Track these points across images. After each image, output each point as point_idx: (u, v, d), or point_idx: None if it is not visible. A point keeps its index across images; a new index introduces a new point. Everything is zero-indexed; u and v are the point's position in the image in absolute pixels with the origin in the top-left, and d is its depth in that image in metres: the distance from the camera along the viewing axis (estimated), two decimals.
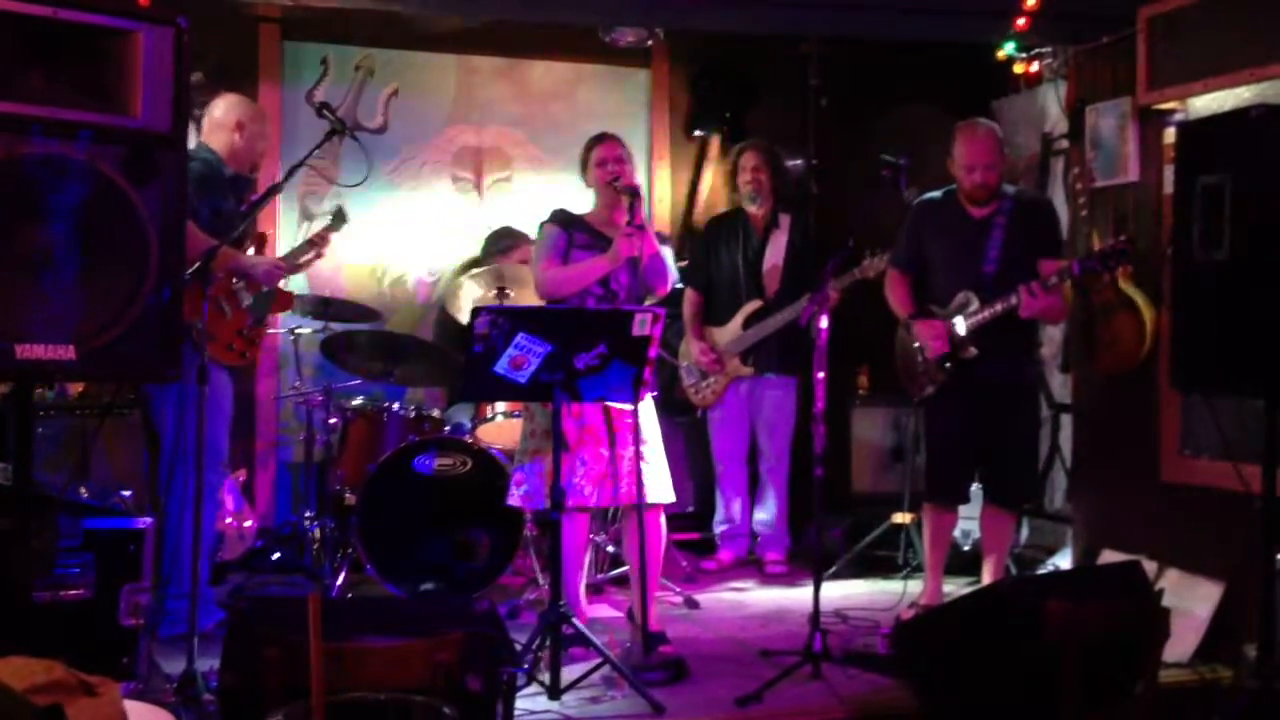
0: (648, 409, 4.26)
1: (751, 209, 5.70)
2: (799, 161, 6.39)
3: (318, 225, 5.23)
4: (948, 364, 4.61)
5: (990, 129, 4.67)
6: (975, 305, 4.54)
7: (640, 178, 6.08)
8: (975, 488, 4.93)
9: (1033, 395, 4.96)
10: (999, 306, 4.46)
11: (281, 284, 4.68)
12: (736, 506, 5.81)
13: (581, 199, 6.28)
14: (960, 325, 4.57)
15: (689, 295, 5.77)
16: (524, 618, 4.67)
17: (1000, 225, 4.60)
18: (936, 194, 4.77)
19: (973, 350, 4.56)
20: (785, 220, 5.71)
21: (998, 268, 4.56)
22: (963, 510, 5.06)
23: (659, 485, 4.21)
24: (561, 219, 4.43)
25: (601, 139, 4.45)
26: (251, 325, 4.43)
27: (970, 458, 4.76)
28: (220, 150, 4.43)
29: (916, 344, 4.72)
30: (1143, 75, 4.56)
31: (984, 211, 4.64)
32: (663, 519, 4.29)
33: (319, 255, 4.76)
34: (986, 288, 4.54)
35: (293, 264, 4.68)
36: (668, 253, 4.63)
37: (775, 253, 5.66)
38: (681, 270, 6.05)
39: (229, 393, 4.43)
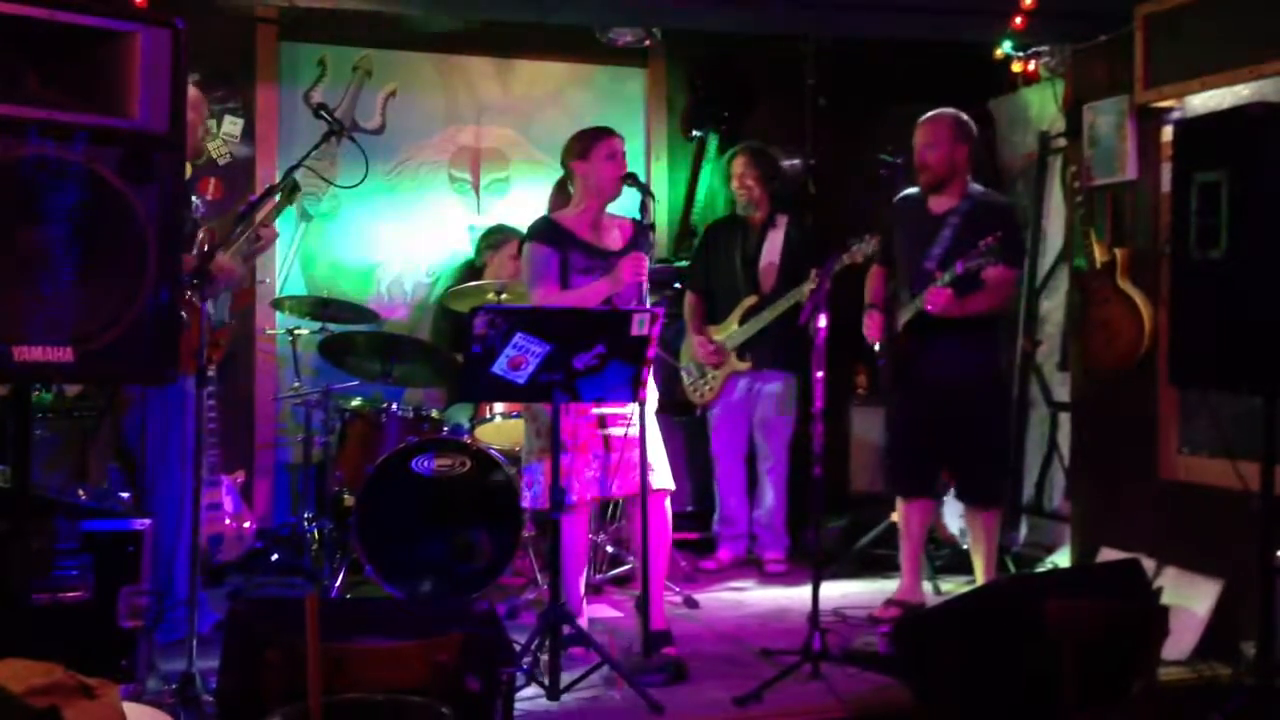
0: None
1: (750, 214, 5.73)
2: (796, 161, 6.39)
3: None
4: (891, 358, 4.72)
5: (940, 114, 4.68)
6: (908, 299, 4.64)
7: None
8: None
9: (992, 391, 4.88)
10: (917, 303, 4.54)
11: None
12: (735, 505, 5.81)
13: None
14: (899, 320, 4.68)
15: (688, 298, 5.80)
16: (523, 618, 4.67)
17: (953, 225, 4.62)
18: (914, 189, 4.80)
19: (905, 344, 4.64)
20: (782, 220, 5.74)
21: (937, 265, 4.58)
22: (960, 509, 5.07)
23: (660, 473, 4.20)
24: (550, 237, 4.24)
25: (610, 132, 4.28)
26: (214, 329, 4.35)
27: (927, 452, 4.77)
28: None
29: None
30: (1140, 73, 4.56)
31: (942, 208, 4.66)
32: (668, 507, 4.28)
33: (271, 238, 4.55)
34: (923, 284, 4.58)
35: (244, 259, 4.46)
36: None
37: (771, 250, 5.69)
38: (680, 270, 6.08)
39: (193, 399, 4.37)
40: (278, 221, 5.87)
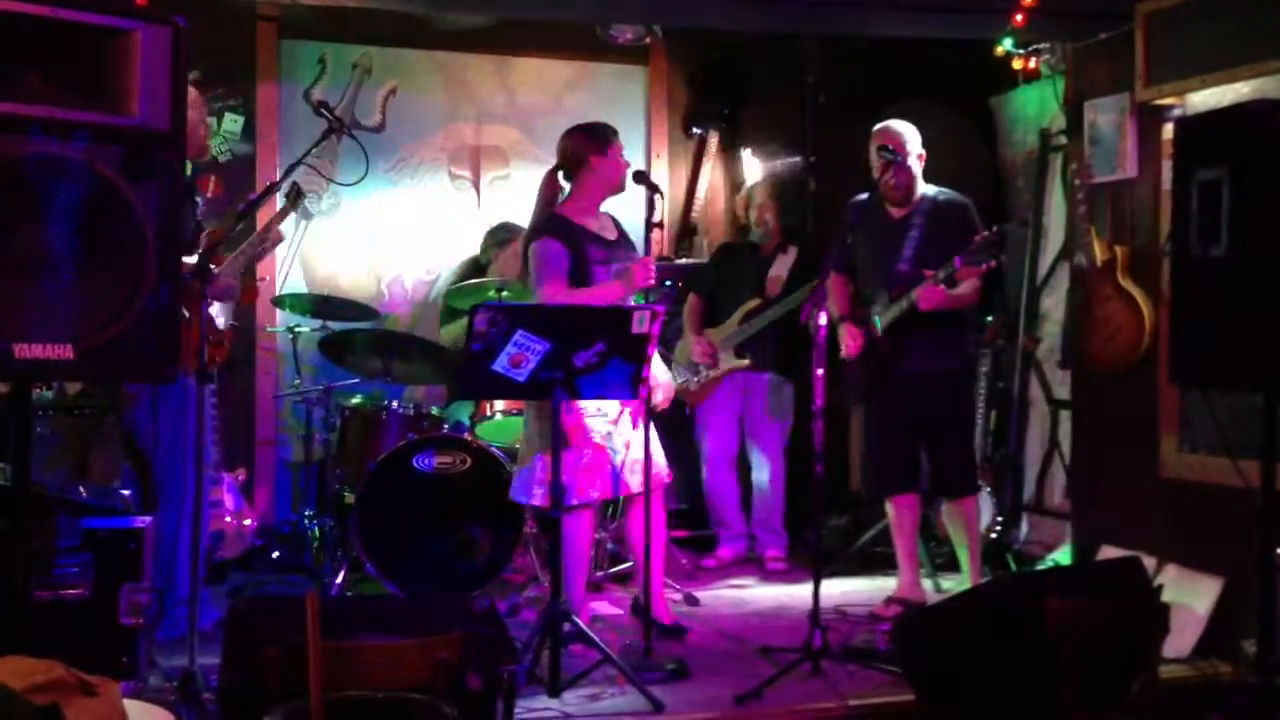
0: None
1: (762, 242, 5.77)
2: (796, 159, 6.39)
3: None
4: (871, 363, 4.73)
5: (894, 130, 4.71)
6: (887, 303, 4.66)
7: None
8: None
9: (959, 383, 4.96)
10: (904, 303, 4.58)
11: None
12: (729, 509, 5.81)
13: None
14: (877, 323, 4.69)
15: (691, 299, 5.79)
16: (524, 615, 4.67)
17: (918, 225, 4.70)
18: (864, 195, 4.82)
19: (888, 346, 4.67)
20: (792, 249, 5.78)
21: (911, 266, 4.64)
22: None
23: (662, 468, 4.32)
24: (560, 233, 4.21)
25: (615, 131, 4.36)
26: (216, 331, 4.35)
27: (905, 447, 4.83)
28: None
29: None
30: (1141, 71, 4.55)
31: (903, 211, 4.74)
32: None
33: (276, 241, 4.58)
34: (900, 286, 4.63)
35: (247, 261, 4.47)
36: None
37: (780, 268, 5.72)
38: (679, 268, 6.08)
39: (195, 397, 4.37)
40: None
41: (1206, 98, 4.36)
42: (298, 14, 5.65)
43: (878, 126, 4.78)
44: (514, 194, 6.27)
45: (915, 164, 4.72)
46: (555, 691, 3.72)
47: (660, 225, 4.19)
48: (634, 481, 4.24)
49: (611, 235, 4.34)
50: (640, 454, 4.18)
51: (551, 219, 4.27)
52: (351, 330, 5.21)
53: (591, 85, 6.43)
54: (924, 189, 4.76)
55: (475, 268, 6.02)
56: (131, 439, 4.39)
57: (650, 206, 4.17)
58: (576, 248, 4.19)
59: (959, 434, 4.91)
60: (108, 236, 2.70)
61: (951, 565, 5.31)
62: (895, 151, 4.63)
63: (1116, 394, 4.83)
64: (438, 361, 5.30)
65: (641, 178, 4.25)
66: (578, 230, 4.23)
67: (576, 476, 4.17)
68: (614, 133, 4.34)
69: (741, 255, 5.84)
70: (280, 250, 5.90)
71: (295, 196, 4.55)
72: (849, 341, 4.79)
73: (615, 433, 4.25)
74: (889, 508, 4.89)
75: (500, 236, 5.81)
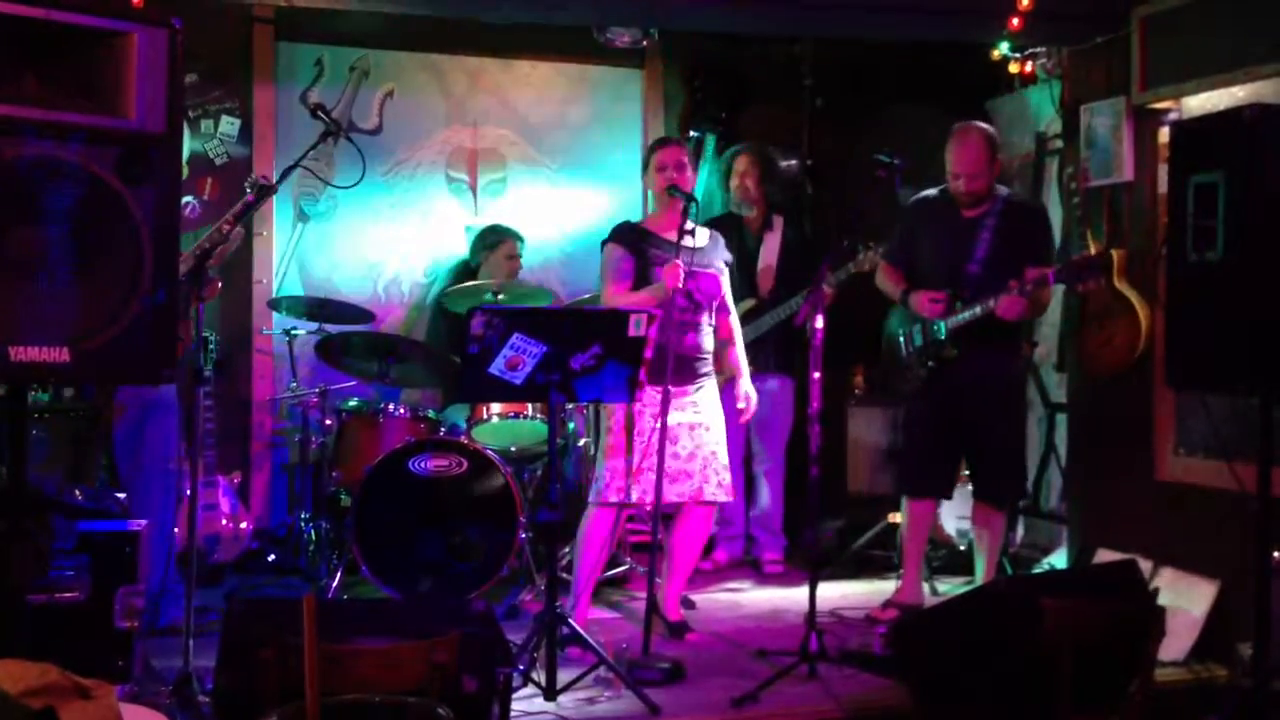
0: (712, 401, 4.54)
1: (744, 213, 5.74)
2: (794, 162, 6.39)
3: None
4: (930, 363, 4.67)
5: (979, 136, 4.66)
6: (957, 305, 4.59)
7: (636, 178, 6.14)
8: (968, 488, 4.95)
9: (1015, 391, 4.95)
10: (978, 308, 4.51)
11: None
12: (731, 506, 5.79)
13: (573, 198, 6.29)
14: (940, 327, 4.62)
15: None
16: (525, 615, 4.67)
17: (989, 227, 4.64)
18: (933, 191, 4.80)
19: (953, 350, 4.61)
20: (778, 222, 5.76)
21: (982, 269, 4.60)
22: (958, 509, 5.08)
23: (727, 483, 4.58)
24: (626, 238, 4.48)
25: (663, 143, 4.60)
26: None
27: (947, 453, 4.79)
28: None
29: (901, 337, 4.80)
30: (1137, 75, 4.57)
31: (975, 212, 4.68)
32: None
33: (232, 228, 4.49)
34: (969, 288, 4.59)
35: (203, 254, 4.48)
36: None
37: (769, 253, 5.70)
38: None
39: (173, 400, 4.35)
40: (275, 222, 5.91)
41: (1203, 102, 4.37)
42: (294, 16, 5.65)
43: (956, 126, 4.71)
44: (511, 196, 6.28)
45: (994, 172, 4.68)
46: (551, 694, 3.72)
47: (692, 232, 4.29)
48: (688, 490, 4.39)
49: (695, 243, 4.35)
50: (698, 464, 4.43)
51: (619, 226, 4.58)
52: (348, 333, 5.20)
53: (589, 88, 6.43)
54: (998, 190, 4.72)
55: (466, 270, 6.01)
56: (109, 443, 4.38)
57: (684, 214, 4.27)
58: (638, 251, 4.44)
59: (1014, 439, 4.85)
60: (104, 239, 2.69)
61: (948, 569, 5.32)
62: (892, 156, 4.62)
63: (1113, 397, 4.83)
64: (434, 364, 5.29)
65: (674, 189, 4.39)
66: (642, 234, 4.49)
67: (613, 478, 4.32)
68: (653, 149, 4.56)
69: (726, 236, 5.79)
70: (277, 253, 5.91)
71: (260, 190, 4.50)
72: (931, 302, 4.65)
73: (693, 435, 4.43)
74: (907, 509, 4.83)
75: (489, 239, 5.80)
